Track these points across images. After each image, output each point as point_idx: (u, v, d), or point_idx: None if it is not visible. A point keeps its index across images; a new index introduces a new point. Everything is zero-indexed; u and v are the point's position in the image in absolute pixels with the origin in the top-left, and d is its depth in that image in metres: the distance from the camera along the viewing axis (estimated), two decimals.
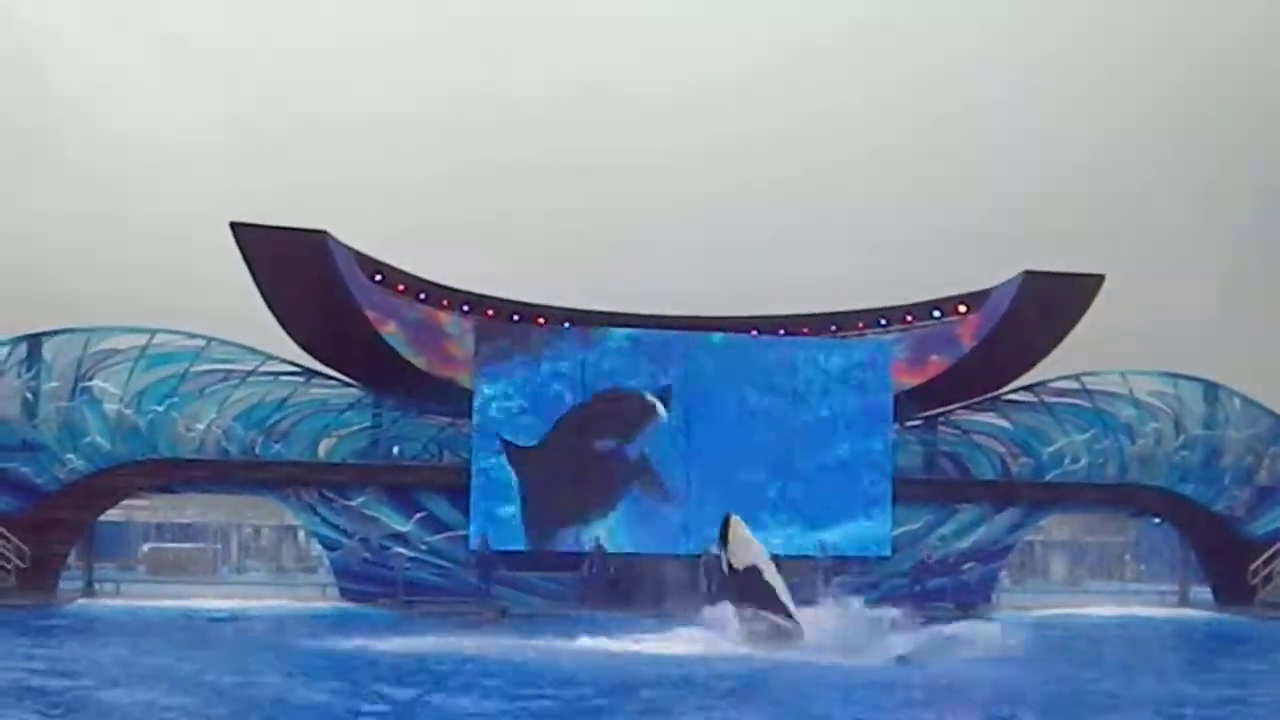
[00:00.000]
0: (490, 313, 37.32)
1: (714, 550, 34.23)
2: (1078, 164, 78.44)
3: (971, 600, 37.19)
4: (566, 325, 36.98)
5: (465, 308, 37.21)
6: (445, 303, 37.11)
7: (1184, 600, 41.03)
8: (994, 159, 78.25)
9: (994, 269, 38.81)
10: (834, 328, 38.73)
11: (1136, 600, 40.60)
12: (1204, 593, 40.15)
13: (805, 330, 38.42)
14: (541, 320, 37.43)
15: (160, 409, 35.36)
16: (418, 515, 35.76)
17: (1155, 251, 68.26)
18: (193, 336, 35.85)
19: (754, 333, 37.77)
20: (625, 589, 34.62)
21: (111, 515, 37.85)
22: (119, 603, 34.05)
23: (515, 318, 37.40)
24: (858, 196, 77.03)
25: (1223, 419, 39.92)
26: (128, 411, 35.15)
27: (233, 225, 33.38)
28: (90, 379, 35.09)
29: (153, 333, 35.57)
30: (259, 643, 25.47)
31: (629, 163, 73.88)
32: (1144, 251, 66.04)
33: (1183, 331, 59.85)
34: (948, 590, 37.23)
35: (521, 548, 35.43)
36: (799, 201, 76.93)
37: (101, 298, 51.63)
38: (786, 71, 79.40)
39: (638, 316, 37.46)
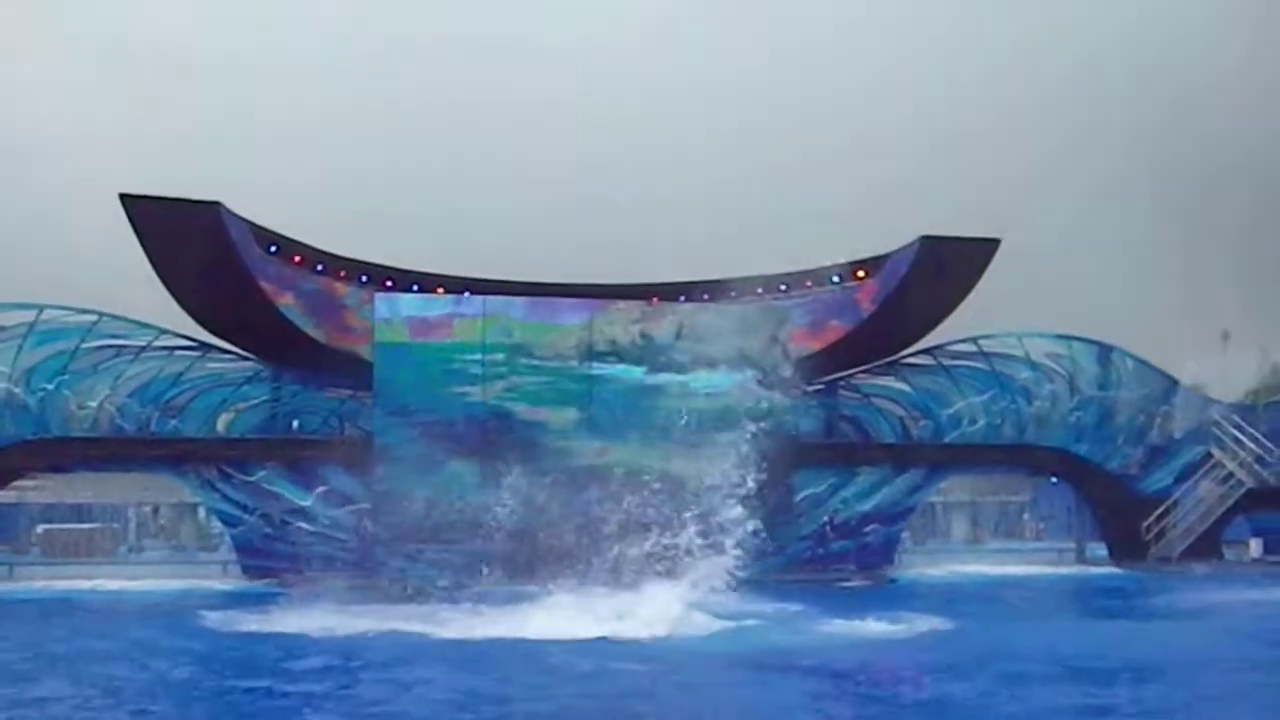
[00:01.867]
0: (389, 283, 36.93)
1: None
2: (976, 131, 79.20)
3: (874, 562, 37.53)
4: (466, 294, 36.59)
5: (364, 278, 36.83)
6: (343, 274, 36.71)
7: (1081, 557, 41.66)
8: (894, 125, 78.85)
9: (892, 235, 39.10)
10: (733, 293, 38.76)
11: (1036, 559, 41.18)
12: (1100, 549, 40.77)
13: (704, 296, 38.39)
14: (441, 289, 37.06)
15: (50, 387, 34.66)
16: (320, 489, 35.29)
17: (1050, 216, 69.09)
18: (83, 312, 35.14)
19: (653, 300, 37.62)
20: (526, 559, 34.43)
21: (2, 497, 37.06)
22: (11, 586, 33.39)
23: (415, 288, 37.01)
24: (757, 160, 77.30)
25: (1116, 380, 40.59)
26: (16, 390, 34.42)
27: (122, 197, 32.73)
28: None
29: (40, 308, 34.82)
30: (157, 623, 25.00)
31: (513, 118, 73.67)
32: (1039, 216, 66.82)
33: (1076, 294, 60.67)
34: (851, 552, 37.54)
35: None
36: (699, 165, 76.99)
37: None
38: (689, 28, 79.53)
39: (540, 285, 37.24)
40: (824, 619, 25.04)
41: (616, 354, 36.18)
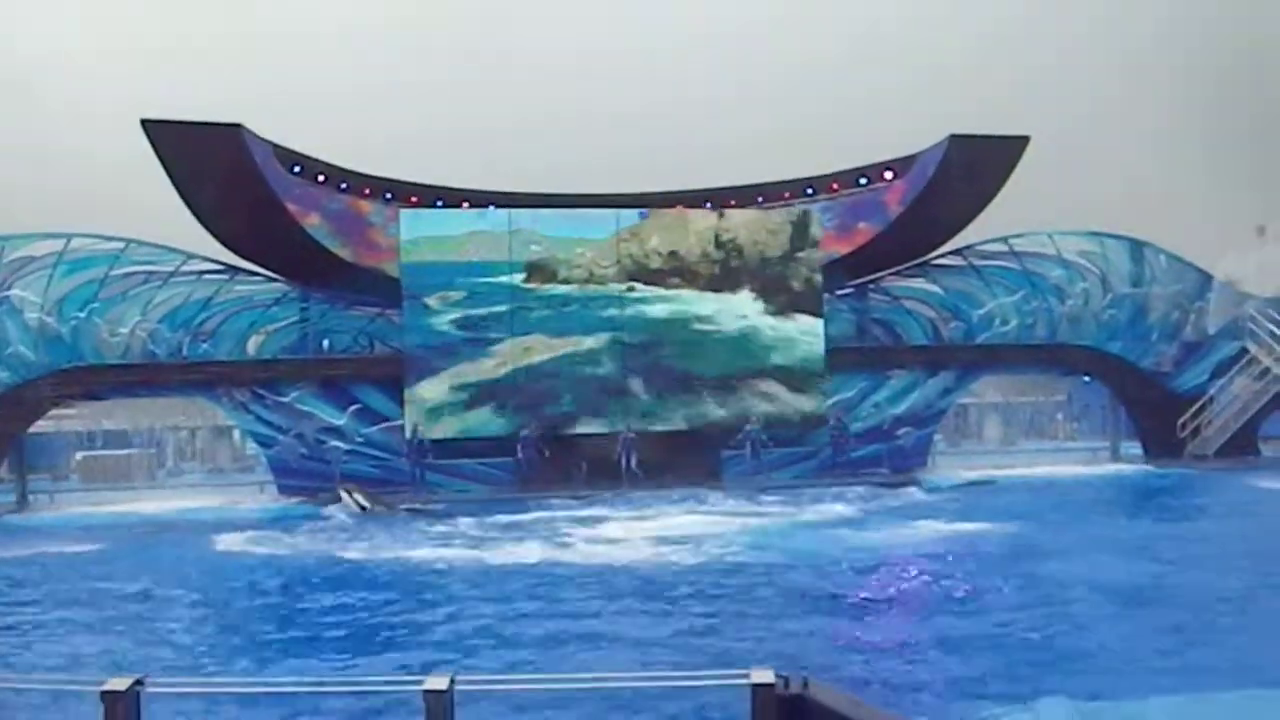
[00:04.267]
0: (414, 199, 36.80)
1: (629, 431, 34.81)
2: (1004, 27, 78.28)
3: (907, 465, 37.49)
4: (492, 208, 36.47)
5: (388, 195, 36.69)
6: (367, 191, 36.57)
7: (1115, 456, 41.48)
8: (920, 21, 77.98)
9: (919, 135, 38.71)
10: (760, 198, 38.52)
11: (1070, 458, 41.00)
12: (1134, 448, 40.58)
13: (732, 202, 38.17)
14: (466, 204, 36.94)
15: (82, 315, 34.76)
16: (352, 407, 35.48)
17: (1079, 112, 68.37)
18: (110, 239, 35.17)
19: (680, 207, 37.44)
20: (566, 470, 34.77)
21: (41, 426, 37.27)
22: (54, 513, 33.68)
23: (439, 203, 36.88)
24: (783, 60, 76.71)
25: (1149, 276, 40.25)
26: (49, 319, 34.52)
27: (144, 122, 32.63)
28: (8, 288, 34.38)
29: (69, 237, 34.86)
30: (194, 543, 25.19)
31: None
32: (1068, 113, 66.13)
33: (1108, 191, 60.17)
34: (883, 456, 37.51)
35: (460, 436, 35.20)
36: (726, 67, 76.48)
37: (13, 205, 50.56)
38: None
39: (564, 196, 37.04)
40: (895, 521, 25.08)
41: (645, 269, 36.25)
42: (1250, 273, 43.10)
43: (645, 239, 36.60)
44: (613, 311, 35.97)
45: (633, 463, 34.90)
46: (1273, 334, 39.76)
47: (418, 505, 31.56)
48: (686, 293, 36.47)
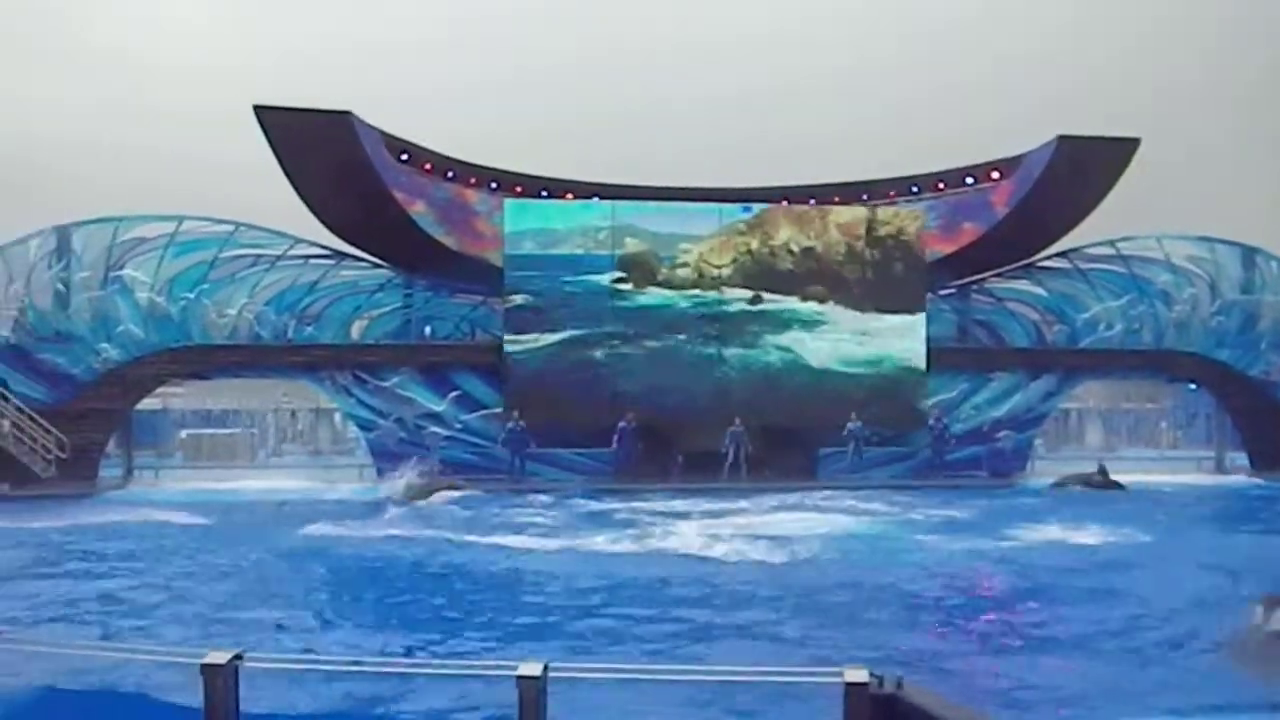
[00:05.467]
0: (519, 189, 37.02)
1: (739, 424, 34.73)
2: (1120, 29, 77.39)
3: (1007, 468, 37.17)
4: (595, 199, 36.61)
5: (493, 185, 36.94)
6: (473, 180, 36.85)
7: (1220, 467, 40.80)
8: (1035, 25, 77.26)
9: (1029, 135, 38.31)
10: (865, 196, 38.34)
11: (1174, 467, 40.33)
12: (1241, 459, 39.87)
13: (836, 199, 38.04)
14: (570, 195, 37.11)
15: (191, 296, 35.39)
16: (452, 394, 35.84)
17: (1192, 116, 67.32)
18: (220, 222, 35.77)
19: (784, 202, 37.37)
20: (663, 464, 34.86)
21: (147, 404, 37.91)
22: (158, 488, 34.29)
23: (544, 194, 37.07)
24: (895, 58, 76.36)
25: (1260, 283, 39.60)
26: (159, 299, 35.17)
27: (256, 108, 33.13)
28: (120, 268, 35.08)
29: (180, 219, 35.50)
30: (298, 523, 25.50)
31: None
32: (1181, 117, 65.13)
33: (1220, 196, 59.20)
34: (983, 458, 37.21)
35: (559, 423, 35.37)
36: (833, 60, 76.17)
37: (128, 186, 51.52)
38: None
39: (667, 189, 37.10)
40: (1017, 526, 24.69)
41: (772, 271, 36.28)
42: None
43: (771, 232, 36.55)
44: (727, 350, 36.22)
45: (741, 456, 34.86)
46: None
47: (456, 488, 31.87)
48: (832, 310, 36.52)
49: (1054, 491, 34.09)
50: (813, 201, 37.82)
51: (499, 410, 35.38)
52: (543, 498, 30.64)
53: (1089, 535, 23.04)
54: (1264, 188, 64.24)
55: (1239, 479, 37.75)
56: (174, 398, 42.72)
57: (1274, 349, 39.28)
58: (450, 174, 36.52)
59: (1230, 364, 39.00)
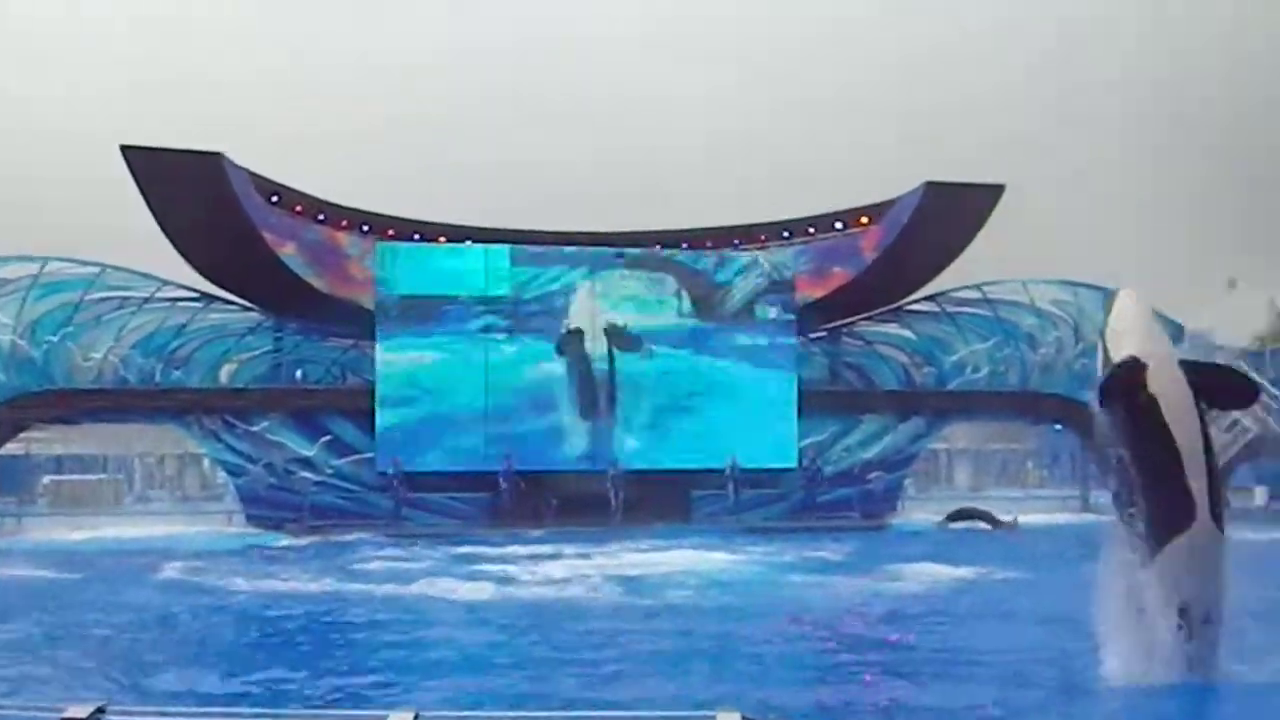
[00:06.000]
0: (390, 232, 36.88)
1: (621, 466, 34.76)
2: (984, 79, 78.92)
3: (878, 509, 37.52)
4: (469, 243, 36.56)
5: (365, 227, 36.77)
6: (344, 223, 36.67)
7: (1085, 505, 41.57)
8: (900, 72, 78.51)
9: (897, 182, 38.95)
10: (737, 241, 38.71)
11: (1040, 506, 41.02)
12: (1105, 496, 40.55)
13: (708, 244, 38.35)
14: (443, 239, 37.02)
15: (55, 339, 34.69)
16: (323, 439, 35.40)
17: (1055, 162, 68.83)
18: (85, 264, 35.12)
19: (658, 247, 37.60)
20: (536, 507, 34.72)
21: (9, 449, 37.06)
22: (19, 538, 33.45)
23: (416, 237, 36.95)
24: (760, 109, 77.13)
25: None
26: (22, 342, 34.40)
27: (123, 149, 32.63)
28: None
29: (44, 261, 34.77)
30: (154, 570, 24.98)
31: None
32: (1045, 163, 66.56)
33: (1082, 241, 60.49)
34: (854, 499, 37.51)
35: (434, 469, 35.10)
36: (705, 114, 76.83)
37: None
38: None
39: (540, 233, 37.15)
40: (901, 564, 24.77)
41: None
42: (1222, 323, 43.46)
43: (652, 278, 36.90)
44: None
45: (617, 499, 34.83)
46: None
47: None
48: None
49: (945, 527, 34.54)
50: (685, 246, 38.08)
51: (371, 455, 35.03)
52: (413, 540, 30.35)
53: (962, 571, 23.27)
54: (1126, 232, 65.87)
55: (1102, 517, 38.35)
56: (37, 443, 41.82)
57: None
58: (321, 216, 36.31)
59: (1092, 406, 39.66)
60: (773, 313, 36.99)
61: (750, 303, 36.96)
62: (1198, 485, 8.21)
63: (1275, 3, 76.45)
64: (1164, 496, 8.28)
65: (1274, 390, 39.91)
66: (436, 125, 72.57)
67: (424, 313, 35.16)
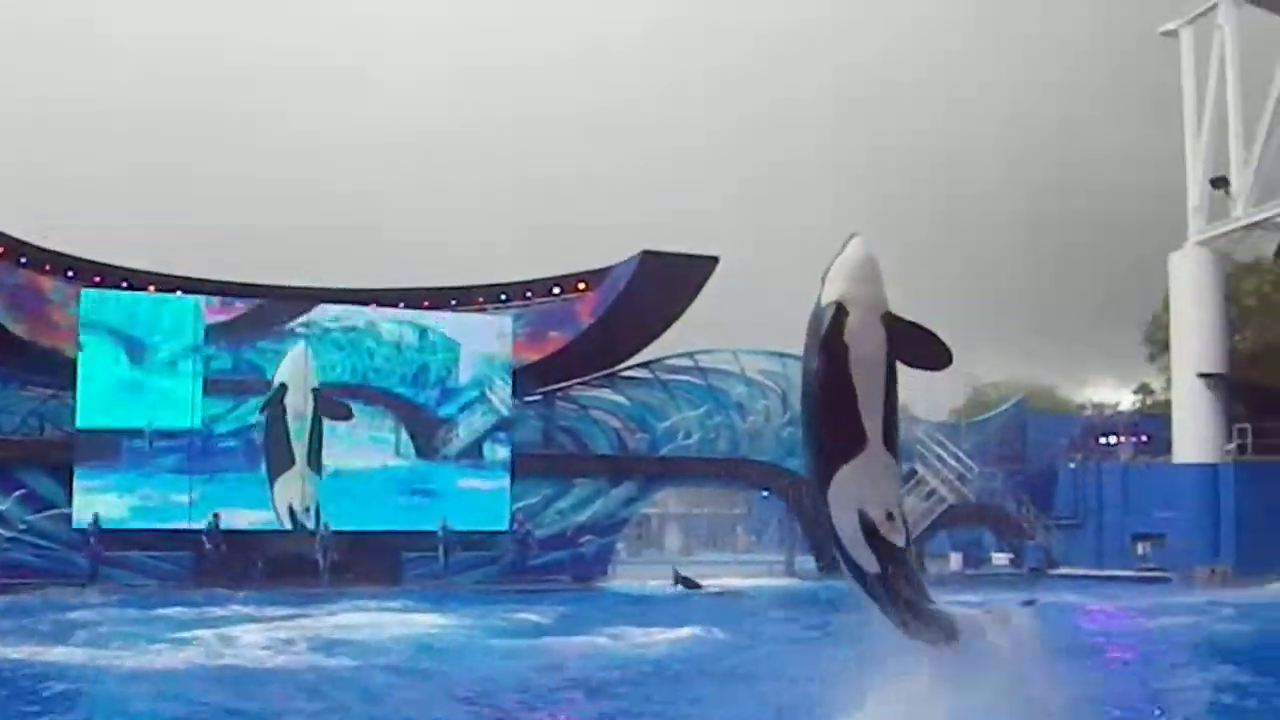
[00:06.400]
0: (97, 279, 35.68)
1: (329, 528, 34.28)
2: (699, 150, 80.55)
3: (589, 573, 37.78)
4: (178, 294, 35.67)
5: (70, 273, 35.52)
6: (48, 267, 35.36)
7: (790, 569, 42.59)
8: (617, 143, 79.64)
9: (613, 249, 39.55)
10: (454, 302, 38.70)
11: (747, 570, 41.87)
12: (809, 561, 41.67)
13: (425, 304, 38.24)
14: (152, 288, 36.04)
15: None
16: (17, 492, 33.85)
17: (769, 234, 70.69)
18: None
19: (373, 305, 37.32)
20: (241, 567, 33.83)
21: None
22: None
23: (124, 285, 35.86)
24: (473, 171, 77.54)
25: None
26: None
27: None
28: None
29: None
30: None
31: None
32: (759, 235, 68.32)
33: (793, 313, 62.09)
34: (566, 562, 37.68)
35: (135, 525, 33.92)
36: (420, 173, 76.76)
37: None
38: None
39: (255, 286, 36.52)
40: (607, 627, 24.81)
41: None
42: (920, 397, 45.10)
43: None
44: None
45: (325, 561, 34.20)
46: (940, 456, 41.66)
47: None
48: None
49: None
50: (402, 305, 37.89)
51: (67, 510, 33.68)
52: (108, 602, 29.25)
53: (674, 635, 23.55)
54: None
55: (806, 582, 39.42)
56: None
57: None
58: (23, 260, 34.97)
59: (799, 472, 40.78)
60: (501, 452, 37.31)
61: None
62: (872, 424, 8.69)
63: (985, 78, 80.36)
64: (840, 432, 8.74)
65: (968, 462, 41.75)
66: (152, 173, 70.75)
67: (130, 361, 34.11)
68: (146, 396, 34.30)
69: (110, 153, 70.81)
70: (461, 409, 37.07)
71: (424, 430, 36.68)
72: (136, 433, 34.09)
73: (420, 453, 36.60)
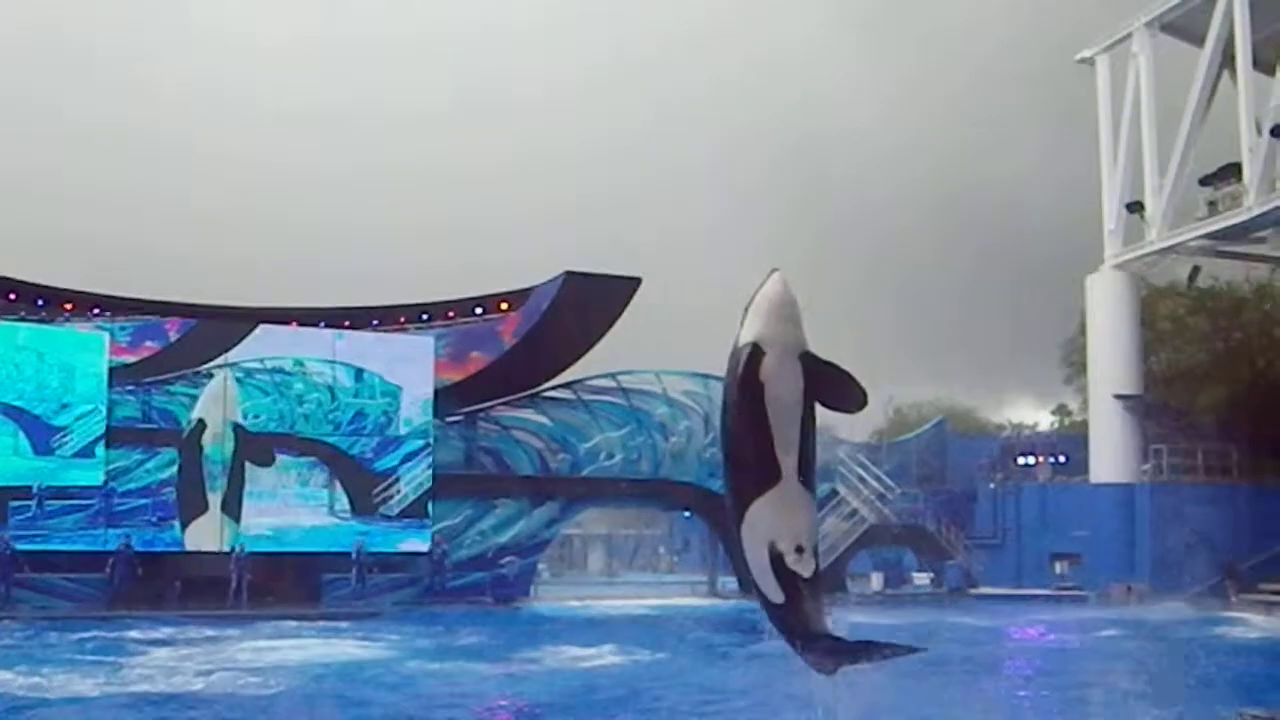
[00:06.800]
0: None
1: (244, 549, 33.83)
2: (629, 172, 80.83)
3: (511, 593, 37.57)
4: (96, 310, 35.16)
5: None
6: None
7: (713, 590, 42.60)
8: (539, 161, 79.75)
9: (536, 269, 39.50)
10: (375, 321, 38.45)
11: (670, 591, 41.87)
12: (731, 582, 41.71)
13: (346, 323, 37.94)
14: (70, 305, 35.49)
15: None
16: None
17: (690, 256, 70.91)
18: None
19: (293, 324, 36.97)
20: (155, 589, 33.30)
21: None
22: None
23: (38, 302, 35.27)
24: (385, 192, 77.43)
25: None
26: None
27: None
28: None
29: None
30: None
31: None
32: (679, 256, 68.50)
33: (716, 334, 62.30)
34: (487, 583, 37.45)
35: (45, 548, 33.28)
36: (339, 191, 76.47)
37: None
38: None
39: (167, 304, 36.11)
40: (539, 647, 24.74)
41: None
42: (842, 418, 45.26)
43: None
44: None
45: (243, 583, 33.71)
46: (861, 477, 41.86)
47: None
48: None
49: None
50: (322, 324, 37.57)
51: None
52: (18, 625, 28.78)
53: (591, 651, 23.54)
54: None
55: (727, 603, 39.46)
56: None
57: None
58: None
59: (721, 493, 40.79)
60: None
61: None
62: (787, 460, 8.81)
63: (905, 106, 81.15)
64: (755, 468, 8.85)
65: (889, 482, 41.98)
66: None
67: (38, 380, 33.55)
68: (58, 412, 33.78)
69: None
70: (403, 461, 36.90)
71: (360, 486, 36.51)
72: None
73: (357, 511, 36.33)
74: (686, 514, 43.69)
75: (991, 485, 43.40)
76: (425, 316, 38.95)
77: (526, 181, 78.80)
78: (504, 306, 38.93)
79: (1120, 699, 17.89)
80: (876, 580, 42.96)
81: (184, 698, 18.68)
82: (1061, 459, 43.37)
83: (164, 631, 27.78)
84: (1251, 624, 31.96)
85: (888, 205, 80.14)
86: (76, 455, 33.67)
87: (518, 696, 18.88)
